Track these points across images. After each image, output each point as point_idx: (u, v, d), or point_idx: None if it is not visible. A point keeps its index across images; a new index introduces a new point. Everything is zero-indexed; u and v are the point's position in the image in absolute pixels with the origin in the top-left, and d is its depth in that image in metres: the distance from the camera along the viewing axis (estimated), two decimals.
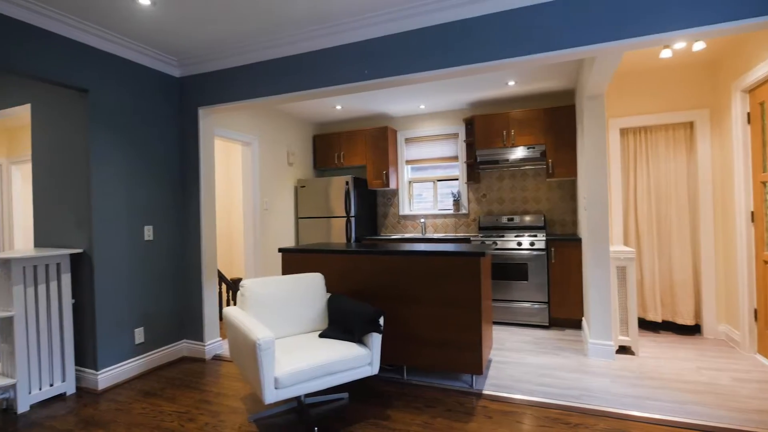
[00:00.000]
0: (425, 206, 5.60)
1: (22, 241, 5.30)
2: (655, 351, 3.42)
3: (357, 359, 2.29)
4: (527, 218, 4.85)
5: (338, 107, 5.07)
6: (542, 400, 2.56)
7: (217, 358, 3.50)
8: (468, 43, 2.58)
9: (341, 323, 2.55)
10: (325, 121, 5.76)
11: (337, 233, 5.10)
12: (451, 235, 5.15)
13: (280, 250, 3.36)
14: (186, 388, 2.88)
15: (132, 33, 2.96)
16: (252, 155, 4.52)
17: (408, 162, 5.63)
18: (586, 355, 3.33)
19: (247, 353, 2.15)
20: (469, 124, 5.09)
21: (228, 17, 2.76)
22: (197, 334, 3.51)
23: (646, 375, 2.92)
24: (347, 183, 5.00)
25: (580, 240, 4.06)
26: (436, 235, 5.13)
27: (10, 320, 2.57)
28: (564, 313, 4.15)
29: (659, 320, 3.98)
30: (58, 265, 2.80)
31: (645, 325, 4.18)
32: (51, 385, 2.75)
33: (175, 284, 3.52)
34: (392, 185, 5.36)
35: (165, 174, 3.46)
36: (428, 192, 5.60)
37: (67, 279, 2.84)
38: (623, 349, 3.41)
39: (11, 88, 3.31)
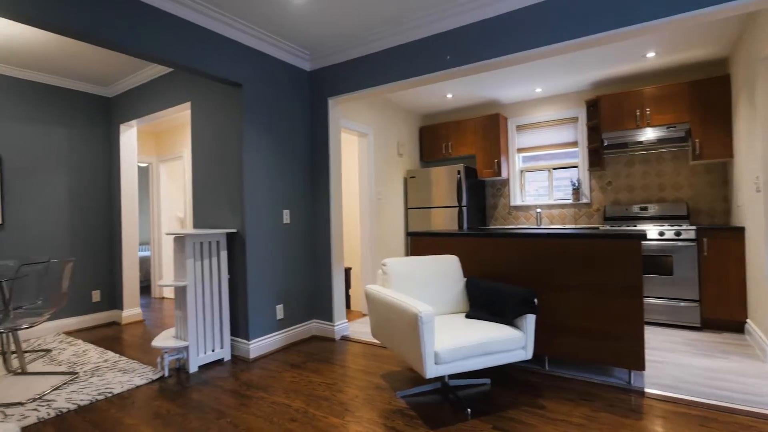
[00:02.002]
0: (538, 196, 5.29)
1: (167, 227, 6.06)
2: None
3: (512, 341, 2.18)
4: (664, 207, 4.32)
5: (449, 95, 5.00)
6: (728, 405, 2.21)
7: (345, 338, 3.63)
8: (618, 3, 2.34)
9: (487, 305, 2.46)
10: (432, 112, 5.73)
11: (446, 223, 5.03)
12: (571, 226, 4.79)
13: (408, 233, 3.38)
14: (326, 363, 3.02)
15: (276, 29, 3.19)
16: (368, 146, 4.64)
17: (520, 150, 5.37)
18: (765, 361, 2.84)
19: (402, 328, 2.16)
20: (592, 105, 4.69)
21: (366, 5, 2.84)
22: (327, 315, 3.67)
23: None
24: (459, 172, 4.91)
25: (741, 229, 3.49)
26: (555, 227, 4.80)
27: (184, 289, 2.91)
28: (720, 314, 3.60)
29: None
30: (218, 242, 3.11)
31: None
32: (213, 351, 3.05)
33: (307, 266, 3.72)
34: (503, 174, 5.14)
35: (298, 162, 3.68)
36: (540, 181, 5.28)
37: (224, 256, 3.14)
38: None
39: (175, 89, 3.77)
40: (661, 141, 4.18)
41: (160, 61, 2.71)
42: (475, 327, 2.25)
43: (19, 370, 2.94)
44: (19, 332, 3.70)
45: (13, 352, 3.27)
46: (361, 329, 3.91)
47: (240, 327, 3.22)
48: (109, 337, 3.85)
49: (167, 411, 2.33)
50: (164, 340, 2.94)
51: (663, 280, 3.82)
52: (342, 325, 3.69)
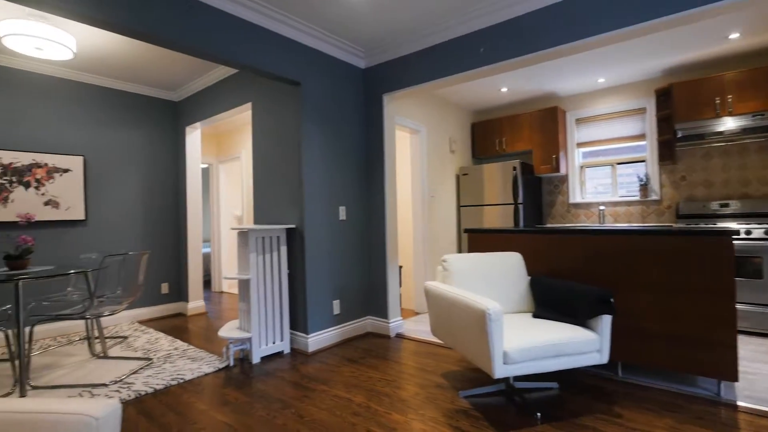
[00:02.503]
0: (597, 194, 4.99)
1: (225, 224, 6.34)
2: None
3: (586, 343, 2.05)
4: (749, 203, 3.91)
5: (504, 89, 4.84)
6: None
7: (400, 336, 3.60)
8: None
9: (556, 304, 2.34)
10: (485, 107, 5.58)
11: (500, 222, 4.87)
12: (638, 225, 4.47)
13: (465, 230, 3.29)
14: (383, 360, 3.00)
15: (333, 27, 3.23)
16: (420, 143, 4.59)
17: (580, 145, 5.09)
18: None
19: (467, 326, 2.09)
20: (663, 94, 4.35)
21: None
22: (381, 312, 3.67)
23: None
24: (515, 168, 4.74)
25: None
26: (622, 225, 4.51)
27: (247, 282, 3.01)
28: None
29: None
30: (278, 237, 3.19)
31: None
32: (273, 343, 3.14)
33: (362, 263, 3.74)
34: (562, 170, 4.90)
35: (353, 159, 3.70)
36: (601, 178, 4.97)
37: (284, 251, 3.21)
38: None
39: (236, 91, 3.92)
40: (745, 131, 3.79)
41: (225, 62, 2.82)
42: (545, 327, 2.14)
43: (102, 354, 3.18)
44: (101, 319, 4.01)
45: (96, 338, 3.54)
46: (414, 327, 3.86)
47: (299, 321, 3.29)
48: (177, 327, 4.08)
49: (235, 399, 2.41)
50: (229, 330, 3.05)
51: (750, 284, 3.45)
52: (397, 323, 3.67)
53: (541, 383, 2.45)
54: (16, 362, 2.63)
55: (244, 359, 3.08)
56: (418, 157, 4.60)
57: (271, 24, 2.99)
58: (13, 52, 3.49)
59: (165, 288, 4.61)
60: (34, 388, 2.58)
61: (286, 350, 3.21)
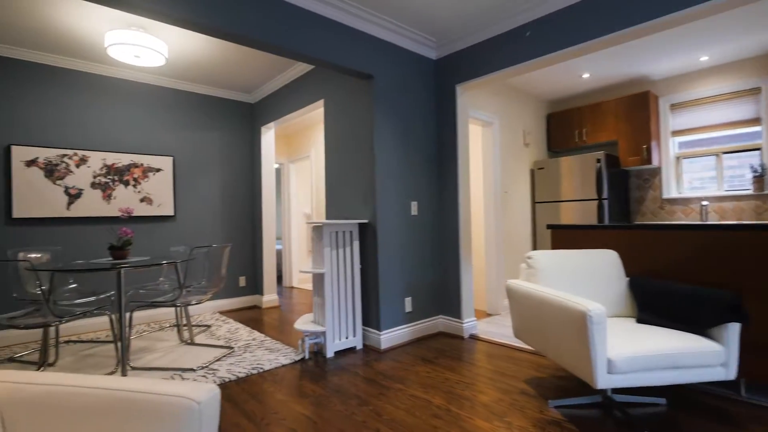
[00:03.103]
0: (692, 189, 4.41)
1: (295, 222, 6.55)
2: None
3: (709, 355, 1.76)
4: None
5: (585, 75, 4.46)
6: None
7: (474, 337, 3.43)
8: None
9: (666, 309, 2.05)
10: (563, 96, 5.20)
11: (580, 219, 4.49)
12: (749, 222, 3.88)
13: (549, 226, 3.05)
14: (459, 361, 2.86)
15: (404, 18, 3.15)
16: (492, 136, 4.37)
17: (675, 133, 4.55)
18: None
19: (561, 329, 1.89)
20: None
21: None
22: (454, 311, 3.52)
23: None
24: (598, 161, 4.34)
25: None
26: (730, 222, 3.94)
27: (322, 277, 3.03)
28: None
29: None
30: (351, 232, 3.18)
31: None
32: (346, 338, 3.13)
33: (434, 260, 3.62)
34: (654, 162, 4.40)
35: (425, 153, 3.60)
36: (699, 171, 4.38)
37: (356, 246, 3.19)
38: None
39: (309, 89, 4.00)
40: None
41: (303, 58, 2.86)
42: (655, 334, 1.88)
43: (189, 341, 3.38)
44: (188, 308, 4.30)
45: (184, 325, 3.78)
46: (488, 328, 3.67)
47: (371, 317, 3.25)
48: (254, 319, 4.25)
49: (312, 391, 2.41)
50: (304, 324, 3.09)
51: None
52: (470, 323, 3.50)
53: (646, 398, 2.16)
54: (119, 344, 2.86)
55: (318, 353, 3.10)
56: (490, 150, 4.38)
57: (345, 17, 2.98)
58: (115, 61, 3.84)
59: (242, 281, 4.84)
60: (133, 368, 2.79)
61: (359, 346, 3.19)
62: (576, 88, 4.92)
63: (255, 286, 4.96)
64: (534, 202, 4.96)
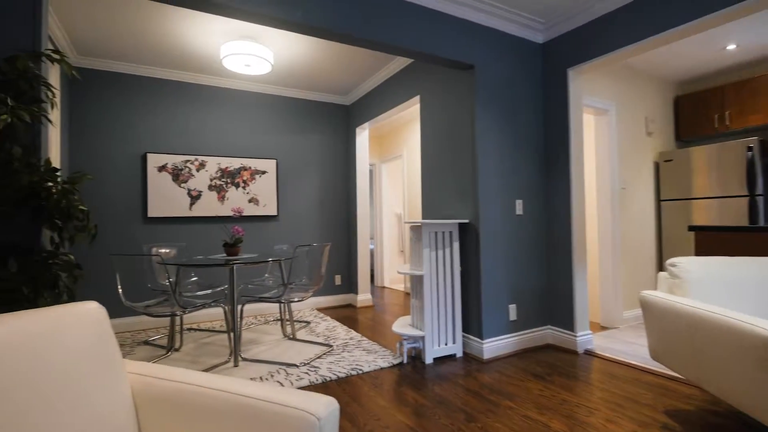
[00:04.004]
0: None
1: (387, 222, 6.56)
2: None
3: None
4: None
5: (731, 47, 3.71)
6: None
7: (589, 353, 3.03)
8: None
9: None
10: (696, 75, 4.41)
11: (720, 220, 3.74)
12: None
13: (691, 228, 2.55)
14: (576, 380, 2.52)
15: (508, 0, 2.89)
16: (608, 125, 3.85)
17: None
18: None
19: (729, 357, 1.51)
20: None
21: None
22: (566, 322, 3.15)
23: None
24: (750, 149, 3.57)
25: None
26: None
27: (420, 279, 2.91)
28: None
29: None
30: (450, 233, 3.01)
31: None
32: (446, 344, 2.97)
33: (541, 264, 3.29)
34: None
35: (531, 146, 3.28)
36: None
37: (456, 247, 3.02)
38: None
39: (403, 86, 3.92)
40: None
41: (401, 52, 2.77)
42: None
43: (291, 336, 3.51)
44: (291, 304, 4.51)
45: (287, 320, 3.96)
46: (606, 344, 3.22)
47: (472, 324, 3.04)
48: (349, 317, 4.30)
49: (413, 400, 2.29)
50: (402, 327, 3.00)
51: None
52: (586, 337, 3.10)
53: None
54: (231, 334, 3.06)
55: (416, 357, 2.99)
56: (605, 141, 3.87)
57: (444, 5, 2.83)
58: (228, 72, 4.17)
59: (338, 280, 4.95)
60: (244, 359, 2.95)
61: (459, 354, 3.00)
62: (716, 64, 4.13)
63: (350, 285, 5.04)
64: (659, 200, 4.28)
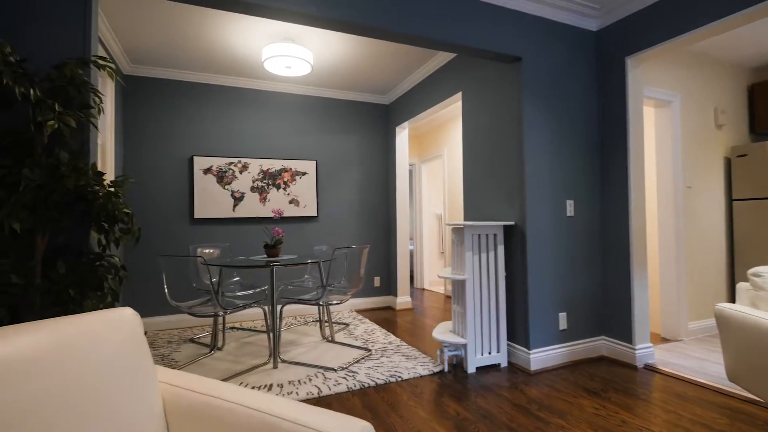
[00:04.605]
0: None
1: (426, 223, 6.43)
2: None
3: None
4: None
5: None
6: None
7: (650, 368, 2.76)
8: None
9: None
10: None
11: None
12: None
13: None
14: (636, 398, 2.29)
15: None
16: (671, 117, 3.52)
17: None
18: None
19: None
20: None
21: None
22: (623, 333, 2.90)
23: None
24: None
25: None
26: None
27: (463, 284, 2.78)
28: None
29: None
30: (494, 235, 2.85)
31: None
32: (489, 353, 2.81)
33: (594, 269, 3.05)
34: None
35: (582, 143, 3.05)
36: None
37: (501, 250, 2.85)
38: None
39: (445, 83, 3.79)
40: None
41: (444, 47, 2.65)
42: None
43: (329, 338, 3.48)
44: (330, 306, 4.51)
45: (325, 321, 3.95)
46: (669, 359, 2.92)
47: (517, 332, 2.87)
48: (388, 320, 4.23)
49: (456, 413, 2.17)
50: (443, 333, 2.88)
51: None
52: (646, 350, 2.83)
53: None
54: (271, 335, 3.07)
55: (457, 366, 2.86)
56: (667, 136, 3.54)
57: None
58: (270, 75, 4.22)
59: (377, 281, 4.89)
60: (283, 361, 2.95)
61: (503, 364, 2.84)
62: None
63: (389, 287, 4.97)
64: (730, 200, 3.86)
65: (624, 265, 2.89)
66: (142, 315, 3.93)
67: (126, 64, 3.78)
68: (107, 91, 3.39)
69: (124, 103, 3.89)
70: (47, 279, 1.48)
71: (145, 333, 3.84)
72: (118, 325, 1.01)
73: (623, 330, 2.89)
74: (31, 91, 1.34)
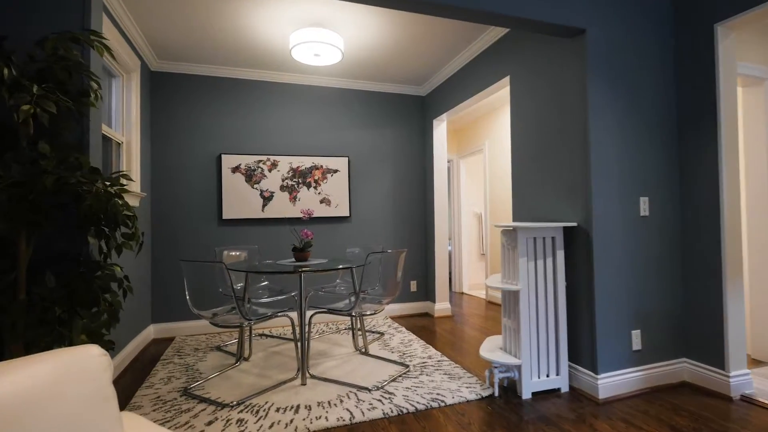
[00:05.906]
0: None
1: (465, 223, 6.02)
2: None
3: None
4: None
5: None
6: None
7: (748, 400, 2.27)
8: None
9: None
10: None
11: None
12: None
13: None
14: None
15: None
16: (764, 98, 2.96)
17: None
18: None
19: None
20: None
21: None
22: (711, 356, 2.41)
23: None
24: None
25: None
26: None
27: (516, 295, 2.40)
28: None
29: None
30: (553, 239, 2.45)
31: None
32: (547, 376, 2.42)
33: (674, 279, 2.57)
34: None
35: (659, 130, 2.58)
36: None
37: (561, 256, 2.45)
38: None
39: (489, 67, 3.40)
40: None
41: (496, 20, 2.28)
42: None
43: (363, 350, 3.19)
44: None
45: (358, 329, 3.67)
46: (767, 387, 2.41)
47: (582, 352, 2.45)
48: (425, 329, 3.89)
49: None
50: (492, 351, 2.52)
51: None
52: (743, 378, 2.34)
53: None
54: (298, 345, 2.82)
55: (509, 389, 2.48)
56: (759, 120, 2.98)
57: None
58: (297, 66, 3.97)
59: (413, 286, 4.56)
60: (312, 377, 2.68)
61: (564, 388, 2.43)
62: None
63: (426, 292, 4.62)
64: None
65: (713, 276, 2.41)
66: (172, 320, 3.79)
67: (153, 60, 3.65)
68: (132, 86, 3.26)
69: (151, 100, 3.76)
70: (32, 294, 1.26)
71: (173, 339, 3.70)
72: (82, 371, 0.75)
73: (712, 352, 2.41)
74: (5, 71, 1.12)
